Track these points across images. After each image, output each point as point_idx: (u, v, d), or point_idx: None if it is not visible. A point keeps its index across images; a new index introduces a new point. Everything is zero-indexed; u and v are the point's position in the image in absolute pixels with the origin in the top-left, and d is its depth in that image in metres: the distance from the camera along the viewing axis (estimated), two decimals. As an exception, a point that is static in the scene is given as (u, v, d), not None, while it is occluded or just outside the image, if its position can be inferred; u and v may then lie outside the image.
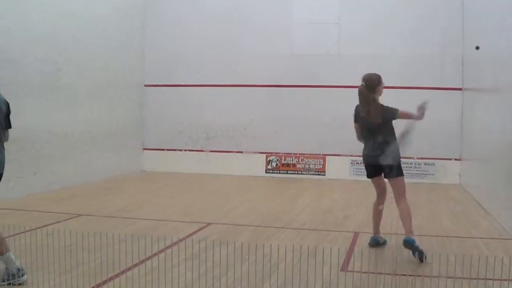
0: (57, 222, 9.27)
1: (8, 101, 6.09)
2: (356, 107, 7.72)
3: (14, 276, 5.83)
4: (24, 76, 12.30)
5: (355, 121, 7.78)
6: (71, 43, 14.00)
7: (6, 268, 5.89)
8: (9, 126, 6.21)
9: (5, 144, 6.22)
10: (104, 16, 15.51)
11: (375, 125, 7.45)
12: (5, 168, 6.15)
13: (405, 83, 15.54)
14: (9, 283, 5.79)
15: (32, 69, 12.59)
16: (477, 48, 11.90)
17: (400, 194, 7.49)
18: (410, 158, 15.59)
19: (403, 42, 16.12)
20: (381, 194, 7.90)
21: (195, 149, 17.55)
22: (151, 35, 17.92)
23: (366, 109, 7.50)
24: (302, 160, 16.87)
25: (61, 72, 13.64)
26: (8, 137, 6.28)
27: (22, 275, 5.91)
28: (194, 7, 17.63)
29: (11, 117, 6.26)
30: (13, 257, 5.93)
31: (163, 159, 17.70)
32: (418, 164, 15.99)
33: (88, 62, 14.74)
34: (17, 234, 7.59)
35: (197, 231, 8.89)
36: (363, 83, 7.54)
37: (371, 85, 7.46)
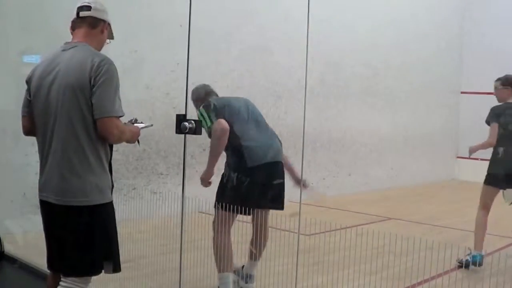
0: (368, 223, 9.53)
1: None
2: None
3: None
4: (345, 79, 12.83)
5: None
6: (391, 47, 14.26)
7: None
8: None
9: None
10: (424, 20, 15.57)
11: None
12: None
13: None
14: None
15: (352, 73, 13.09)
16: None
17: None
18: None
19: None
20: None
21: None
22: (471, 40, 17.58)
23: None
24: None
25: (379, 76, 13.98)
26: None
27: None
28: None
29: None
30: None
31: (477, 168, 17.24)
32: None
33: (407, 67, 14.91)
34: (328, 231, 7.95)
35: (507, 246, 8.61)
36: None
37: None
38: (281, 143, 5.98)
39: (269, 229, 6.13)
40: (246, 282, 6.07)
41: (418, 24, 15.28)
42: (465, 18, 17.67)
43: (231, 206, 5.43)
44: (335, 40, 12.55)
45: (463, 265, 6.93)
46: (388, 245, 7.38)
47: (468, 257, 7.09)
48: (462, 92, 17.64)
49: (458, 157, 17.61)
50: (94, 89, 3.57)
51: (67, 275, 3.82)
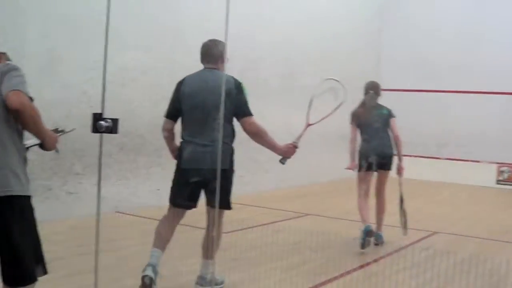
0: (286, 220, 9.61)
1: (248, 101, 6.14)
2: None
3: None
4: (265, 76, 12.89)
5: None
6: (310, 45, 14.41)
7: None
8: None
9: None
10: (343, 18, 15.82)
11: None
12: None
13: None
14: None
15: (272, 70, 13.17)
16: None
17: None
18: None
19: None
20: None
21: (427, 155, 17.32)
22: (388, 38, 17.97)
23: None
24: (536, 173, 16.12)
25: (298, 73, 14.10)
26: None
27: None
28: (433, 11, 17.39)
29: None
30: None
31: (395, 164, 17.62)
32: None
33: (325, 64, 15.07)
34: (245, 228, 8.00)
35: (422, 238, 8.84)
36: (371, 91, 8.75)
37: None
38: None
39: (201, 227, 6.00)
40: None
41: (336, 22, 15.49)
42: (383, 17, 18.05)
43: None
44: (254, 37, 12.59)
45: (363, 243, 7.40)
46: (305, 241, 7.50)
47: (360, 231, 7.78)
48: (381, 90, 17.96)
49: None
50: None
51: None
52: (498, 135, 16.37)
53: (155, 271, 5.21)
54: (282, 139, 13.02)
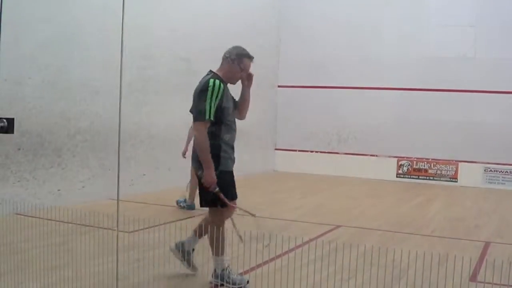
0: (190, 217, 9.56)
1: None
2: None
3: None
4: (164, 73, 12.77)
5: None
6: (209, 42, 14.36)
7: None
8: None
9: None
10: (242, 15, 15.86)
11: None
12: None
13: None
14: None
15: (171, 67, 13.05)
16: None
17: None
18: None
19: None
20: None
21: (327, 151, 17.60)
22: (286, 36, 18.15)
23: None
24: (434, 165, 16.59)
25: (196, 70, 14.03)
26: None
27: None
28: (328, 13, 17.69)
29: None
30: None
31: (295, 159, 17.85)
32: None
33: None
34: (151, 227, 7.90)
35: (326, 232, 8.95)
36: None
37: None
38: None
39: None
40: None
41: (235, 19, 15.51)
42: (281, 15, 18.20)
43: None
44: (153, 34, 12.45)
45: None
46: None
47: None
48: (279, 86, 18.16)
49: (276, 149, 18.14)
50: None
51: None
52: (394, 130, 16.82)
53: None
54: (181, 136, 13.01)
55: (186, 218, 9.34)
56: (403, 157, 16.83)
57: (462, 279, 6.13)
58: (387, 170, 16.84)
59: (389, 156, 16.94)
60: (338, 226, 9.47)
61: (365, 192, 14.27)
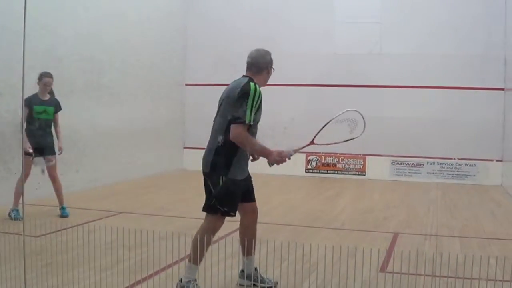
0: (98, 219, 9.36)
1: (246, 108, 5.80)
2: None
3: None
4: (69, 74, 12.45)
5: None
6: (115, 41, 14.13)
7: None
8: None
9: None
10: (148, 14, 15.67)
11: None
12: None
13: (446, 82, 15.37)
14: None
15: (77, 67, 12.74)
16: None
17: None
18: (451, 159, 15.54)
19: (444, 41, 15.88)
20: None
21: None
22: (193, 34, 18.05)
23: None
24: (342, 160, 16.81)
25: (104, 70, 13.78)
26: None
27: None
28: (236, 7, 17.71)
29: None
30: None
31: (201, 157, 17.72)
32: (459, 165, 15.79)
33: (131, 60, 14.87)
34: (59, 230, 7.69)
35: (237, 229, 8.89)
36: None
37: None
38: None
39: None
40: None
41: (142, 18, 15.32)
42: (188, 13, 18.07)
43: None
44: (58, 33, 12.11)
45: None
46: (119, 239, 7.30)
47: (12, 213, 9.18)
48: (186, 84, 18.04)
49: (185, 148, 18.01)
50: None
51: None
52: (303, 126, 16.91)
53: None
54: (86, 136, 12.71)
55: (95, 220, 9.13)
56: (312, 153, 16.97)
57: (371, 270, 6.19)
58: (296, 166, 16.91)
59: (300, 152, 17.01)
60: (249, 223, 9.43)
61: (274, 188, 14.30)
